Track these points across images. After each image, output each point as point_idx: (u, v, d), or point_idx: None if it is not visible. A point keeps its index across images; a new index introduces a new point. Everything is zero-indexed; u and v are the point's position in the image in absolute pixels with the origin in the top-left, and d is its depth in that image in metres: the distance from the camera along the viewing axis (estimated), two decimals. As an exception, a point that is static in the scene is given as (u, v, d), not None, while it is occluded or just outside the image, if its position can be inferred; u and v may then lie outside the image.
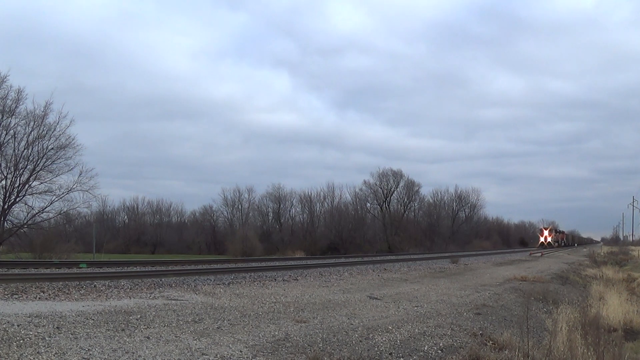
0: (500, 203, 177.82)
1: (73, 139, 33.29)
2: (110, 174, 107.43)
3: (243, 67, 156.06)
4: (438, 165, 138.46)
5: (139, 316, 8.43)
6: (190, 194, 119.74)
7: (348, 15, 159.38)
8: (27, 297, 9.81)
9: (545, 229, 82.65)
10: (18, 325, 7.05)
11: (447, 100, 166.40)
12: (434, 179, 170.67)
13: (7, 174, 32.03)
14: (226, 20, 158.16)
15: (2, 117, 31.71)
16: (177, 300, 10.61)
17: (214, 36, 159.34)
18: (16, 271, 15.25)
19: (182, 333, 7.55)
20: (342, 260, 29.52)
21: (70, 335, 6.81)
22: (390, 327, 9.24)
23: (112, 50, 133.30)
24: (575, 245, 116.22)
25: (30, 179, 32.58)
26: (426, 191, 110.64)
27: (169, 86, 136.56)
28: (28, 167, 32.49)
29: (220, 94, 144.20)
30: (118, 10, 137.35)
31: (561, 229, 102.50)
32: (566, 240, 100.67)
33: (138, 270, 17.50)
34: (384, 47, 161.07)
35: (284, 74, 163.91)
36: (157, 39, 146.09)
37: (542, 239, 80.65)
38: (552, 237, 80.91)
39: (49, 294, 10.32)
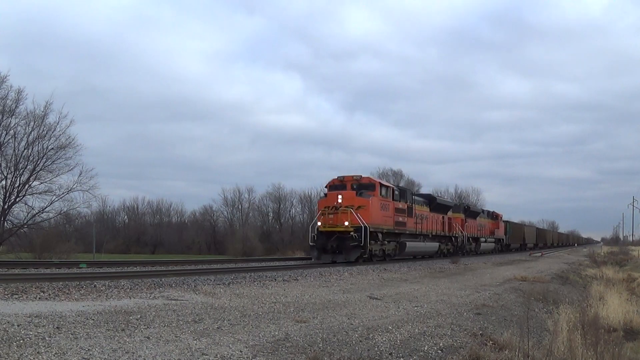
0: (502, 203, 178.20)
1: (73, 139, 33.51)
2: (117, 175, 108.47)
3: (255, 69, 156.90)
4: (442, 166, 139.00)
5: (139, 316, 8.42)
6: (195, 194, 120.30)
7: (362, 20, 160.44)
8: (27, 297, 9.79)
9: (340, 189, 22.95)
10: (18, 325, 7.04)
11: (454, 103, 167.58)
12: (438, 179, 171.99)
13: (7, 174, 32.16)
14: (241, 24, 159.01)
15: (2, 117, 31.80)
16: (177, 300, 10.60)
17: (228, 40, 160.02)
18: (16, 271, 15.24)
19: (182, 333, 7.54)
20: (342, 260, 29.41)
21: (70, 335, 6.80)
22: (390, 327, 9.24)
23: (127, 53, 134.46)
24: (576, 245, 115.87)
25: (30, 179, 32.72)
26: (426, 191, 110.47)
27: (181, 89, 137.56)
28: (28, 167, 32.64)
29: (230, 96, 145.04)
30: (135, 14, 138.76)
31: (489, 209, 48.85)
32: (507, 236, 49.61)
33: (138, 270, 17.48)
34: (396, 51, 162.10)
35: (296, 76, 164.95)
36: (173, 42, 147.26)
37: (320, 217, 22.84)
38: (355, 211, 21.84)
39: (49, 294, 10.30)
